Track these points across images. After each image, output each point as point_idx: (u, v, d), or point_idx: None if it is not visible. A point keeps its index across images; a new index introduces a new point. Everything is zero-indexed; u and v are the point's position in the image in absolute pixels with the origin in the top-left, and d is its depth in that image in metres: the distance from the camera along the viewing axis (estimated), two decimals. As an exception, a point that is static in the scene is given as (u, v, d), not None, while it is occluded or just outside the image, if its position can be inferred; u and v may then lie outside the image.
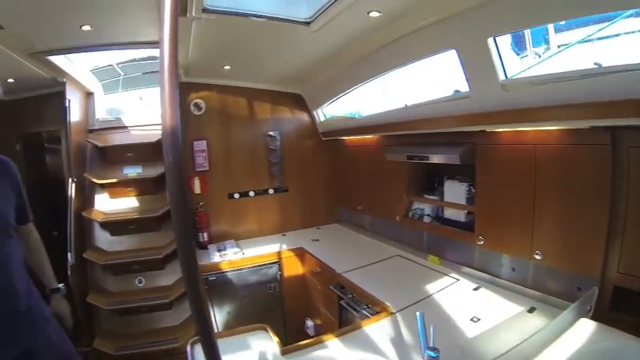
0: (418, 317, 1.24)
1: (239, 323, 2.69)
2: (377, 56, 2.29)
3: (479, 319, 1.73)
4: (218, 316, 3.01)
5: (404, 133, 2.50)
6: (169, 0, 0.52)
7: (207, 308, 2.67)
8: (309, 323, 3.06)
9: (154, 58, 3.55)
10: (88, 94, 3.19)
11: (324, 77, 3.00)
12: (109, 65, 3.64)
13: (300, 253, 3.20)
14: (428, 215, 2.61)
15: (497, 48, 1.62)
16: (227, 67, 2.94)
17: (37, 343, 1.38)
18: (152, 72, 3.67)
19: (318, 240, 3.38)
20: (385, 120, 2.66)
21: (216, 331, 2.70)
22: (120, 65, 3.68)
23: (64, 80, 2.81)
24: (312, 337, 2.27)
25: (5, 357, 1.28)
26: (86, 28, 1.99)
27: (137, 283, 3.00)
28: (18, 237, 1.44)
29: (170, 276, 3.05)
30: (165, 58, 0.54)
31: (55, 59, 2.45)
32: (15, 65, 2.40)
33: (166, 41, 0.53)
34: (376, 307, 2.05)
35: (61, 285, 1.70)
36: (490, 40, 1.61)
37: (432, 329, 1.20)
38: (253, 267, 3.06)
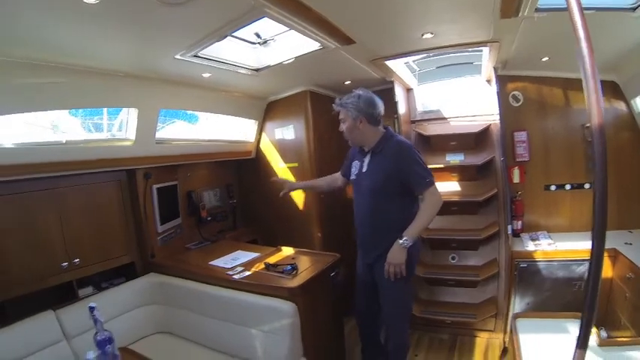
0: None
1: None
2: None
3: None
4: (518, 304, 3.08)
5: None
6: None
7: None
8: (603, 334, 2.84)
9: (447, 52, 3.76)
10: (408, 90, 3.60)
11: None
12: (406, 62, 3.98)
13: (613, 254, 2.96)
14: None
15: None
16: (545, 59, 2.87)
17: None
18: (445, 65, 3.85)
19: (631, 244, 3.07)
20: None
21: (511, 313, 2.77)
22: (415, 62, 3.97)
23: (392, 79, 3.22)
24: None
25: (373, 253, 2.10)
26: (427, 36, 2.23)
27: (451, 259, 3.31)
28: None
29: (481, 257, 3.25)
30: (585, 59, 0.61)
31: (389, 62, 2.83)
32: (356, 70, 2.89)
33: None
34: None
35: (405, 239, 1.96)
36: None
37: None
38: (563, 261, 2.98)
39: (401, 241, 1.92)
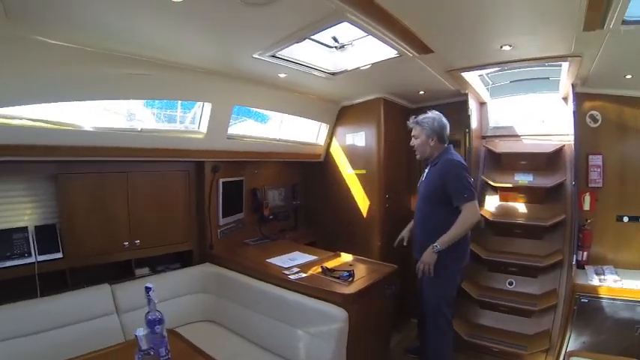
0: None
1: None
2: None
3: None
4: (573, 341, 2.85)
5: None
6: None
7: None
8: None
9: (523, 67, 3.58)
10: (481, 104, 3.47)
11: None
12: (480, 75, 3.84)
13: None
14: None
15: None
16: (628, 77, 2.63)
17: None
18: (521, 80, 3.65)
19: None
20: None
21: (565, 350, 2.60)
22: (489, 75, 3.81)
23: (466, 92, 3.10)
24: None
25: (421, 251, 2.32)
26: (506, 48, 2.15)
27: (508, 284, 3.14)
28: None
29: (540, 286, 3.06)
30: None
31: (465, 74, 2.73)
32: (431, 80, 2.82)
33: None
34: None
35: (436, 245, 2.21)
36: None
37: None
38: (629, 301, 2.70)
39: (432, 247, 2.22)
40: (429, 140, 2.36)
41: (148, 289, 1.60)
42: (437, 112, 2.42)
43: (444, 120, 2.39)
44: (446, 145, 2.40)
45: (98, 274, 2.35)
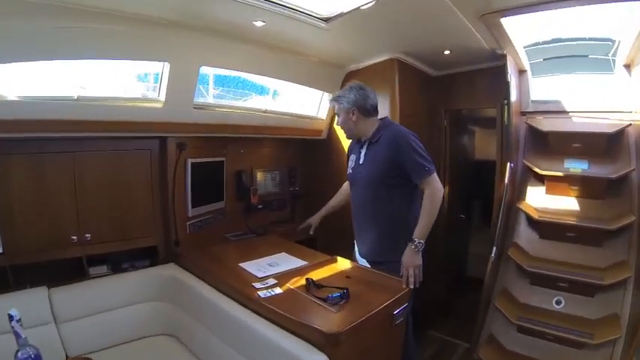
0: None
1: None
2: None
3: None
4: None
5: None
6: None
7: None
8: None
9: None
10: (521, 72, 2.75)
11: None
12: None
13: None
14: None
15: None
16: None
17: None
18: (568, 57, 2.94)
19: None
20: None
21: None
22: (528, 48, 3.10)
23: (505, 52, 2.39)
24: None
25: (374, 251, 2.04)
26: None
27: (555, 302, 2.43)
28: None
29: (597, 309, 2.32)
30: None
31: (505, 21, 2.04)
32: (459, 32, 2.17)
33: None
34: None
35: (417, 241, 1.81)
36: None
37: None
38: None
39: (414, 245, 1.81)
40: (349, 115, 1.98)
41: (11, 318, 1.18)
42: (356, 82, 2.05)
43: (364, 88, 1.99)
44: (376, 117, 2.04)
45: (47, 273, 1.98)
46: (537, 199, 2.54)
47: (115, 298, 2.05)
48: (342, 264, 2.12)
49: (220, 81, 2.70)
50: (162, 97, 2.13)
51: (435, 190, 1.84)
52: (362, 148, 2.06)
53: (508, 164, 2.40)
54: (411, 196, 1.95)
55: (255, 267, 2.03)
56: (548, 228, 2.44)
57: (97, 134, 2.02)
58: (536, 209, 2.49)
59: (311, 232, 2.34)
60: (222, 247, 2.46)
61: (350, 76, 2.90)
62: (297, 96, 3.10)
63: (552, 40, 3.01)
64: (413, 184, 1.91)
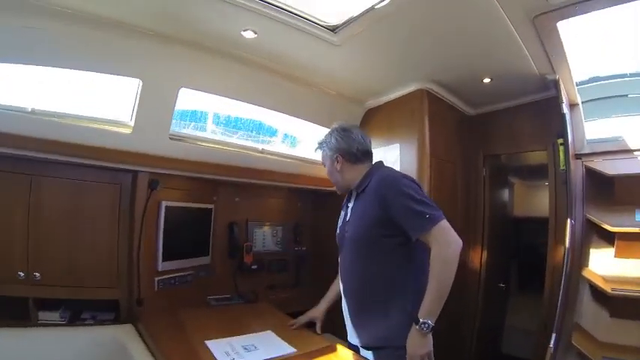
0: None
1: None
2: None
3: None
4: None
5: None
6: None
7: None
8: None
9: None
10: (572, 106, 2.25)
11: None
12: None
13: None
14: None
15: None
16: None
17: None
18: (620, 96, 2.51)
19: None
20: None
21: None
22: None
23: (557, 78, 1.95)
24: None
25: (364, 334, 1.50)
26: None
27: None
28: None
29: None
30: None
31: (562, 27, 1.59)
32: (503, 47, 1.75)
33: None
34: None
35: (423, 321, 1.27)
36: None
37: None
38: None
39: (419, 326, 1.29)
40: (334, 164, 1.62)
41: None
42: (340, 123, 1.67)
43: (351, 130, 1.64)
44: (366, 164, 1.62)
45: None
46: (605, 264, 1.95)
47: (54, 356, 1.61)
48: (342, 356, 1.52)
49: (229, 123, 2.41)
50: (132, 122, 1.75)
51: (445, 244, 1.32)
52: (349, 201, 1.65)
53: (568, 220, 1.85)
54: (407, 260, 1.47)
55: (224, 349, 1.46)
56: (621, 303, 1.84)
57: (57, 157, 1.67)
58: (604, 278, 1.89)
59: (318, 332, 1.79)
60: (195, 313, 1.94)
61: (370, 114, 2.51)
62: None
63: (590, 79, 2.62)
64: (413, 243, 1.43)
